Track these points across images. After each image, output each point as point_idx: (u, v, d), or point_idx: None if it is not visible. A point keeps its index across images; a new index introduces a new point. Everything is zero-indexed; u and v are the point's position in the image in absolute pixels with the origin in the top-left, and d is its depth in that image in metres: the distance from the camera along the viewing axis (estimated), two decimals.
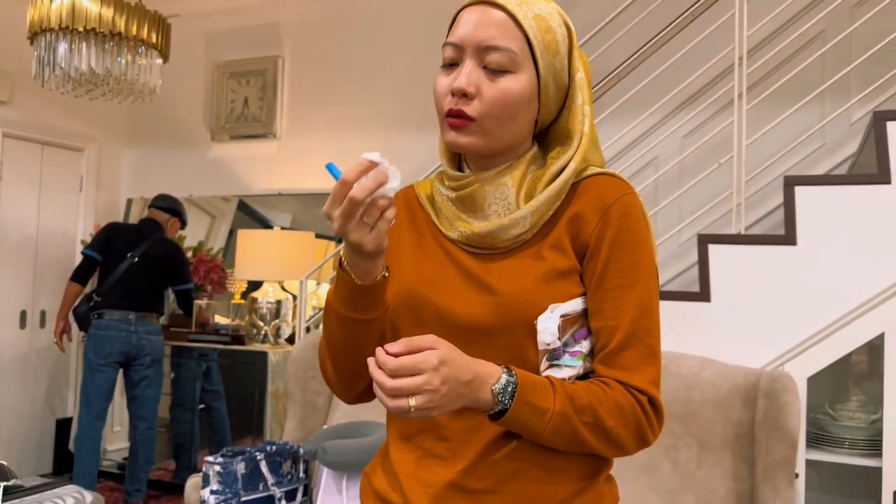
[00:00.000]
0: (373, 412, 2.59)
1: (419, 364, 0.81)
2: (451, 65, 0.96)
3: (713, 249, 2.38)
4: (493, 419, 0.88)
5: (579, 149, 0.97)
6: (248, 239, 3.92)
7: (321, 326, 3.68)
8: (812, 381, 2.31)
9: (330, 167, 0.87)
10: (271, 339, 3.89)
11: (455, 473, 0.93)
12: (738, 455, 2.17)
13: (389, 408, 0.81)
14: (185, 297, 3.87)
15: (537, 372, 0.92)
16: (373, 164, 0.84)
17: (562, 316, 0.92)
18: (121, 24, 3.29)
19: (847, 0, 3.07)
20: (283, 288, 4.03)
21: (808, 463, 2.32)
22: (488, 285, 0.94)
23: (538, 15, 0.94)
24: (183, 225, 4.01)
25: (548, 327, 0.91)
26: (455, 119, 0.93)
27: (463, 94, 0.92)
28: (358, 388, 1.01)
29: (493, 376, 0.86)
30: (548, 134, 1.02)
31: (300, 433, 2.67)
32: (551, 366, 0.93)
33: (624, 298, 0.92)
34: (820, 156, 3.22)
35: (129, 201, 4.99)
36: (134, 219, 4.90)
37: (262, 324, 3.89)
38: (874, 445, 2.26)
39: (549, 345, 0.92)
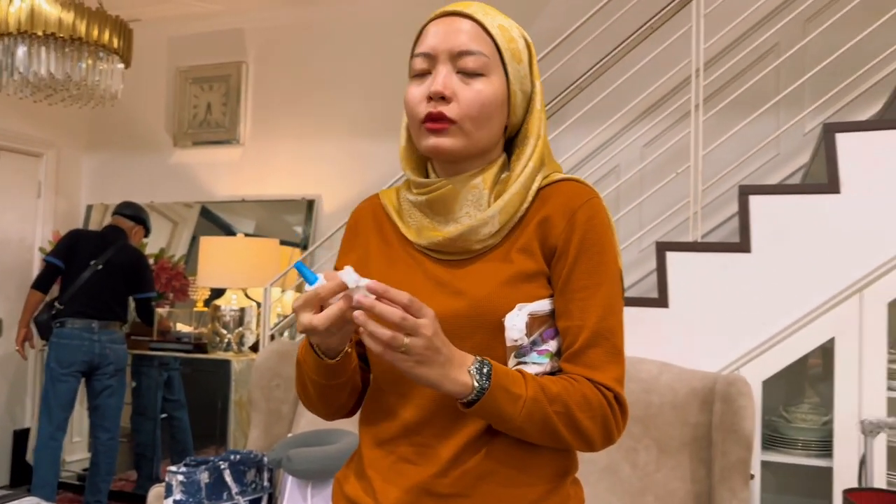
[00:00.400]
0: (338, 421, 2.59)
1: (423, 308, 0.83)
2: (423, 75, 0.98)
3: (671, 257, 2.44)
4: (469, 406, 0.88)
5: (536, 149, 1.01)
6: (211, 246, 3.89)
7: (286, 334, 3.68)
8: (767, 384, 2.38)
9: (299, 267, 0.90)
10: (234, 347, 3.86)
11: (427, 477, 0.95)
12: (696, 457, 2.23)
13: (384, 337, 0.81)
14: (146, 306, 3.82)
15: None
16: (344, 287, 0.86)
17: (529, 314, 0.94)
18: (81, 28, 3.25)
19: (800, 14, 3.17)
20: (246, 295, 4.00)
21: (764, 464, 2.39)
22: (457, 289, 0.97)
23: (501, 25, 0.99)
24: (147, 233, 3.96)
25: (515, 324, 0.94)
26: (435, 123, 0.95)
27: (441, 98, 0.95)
28: (332, 410, 1.06)
29: (468, 359, 0.89)
30: (512, 141, 1.05)
31: (264, 442, 2.66)
32: (519, 363, 0.95)
33: (590, 299, 0.95)
34: (775, 165, 3.31)
35: (89, 207, 4.91)
36: (94, 225, 4.83)
37: (224, 332, 3.86)
38: (826, 446, 2.33)
39: (516, 341, 0.94)
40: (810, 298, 2.31)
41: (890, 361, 2.28)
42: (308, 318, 0.86)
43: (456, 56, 0.96)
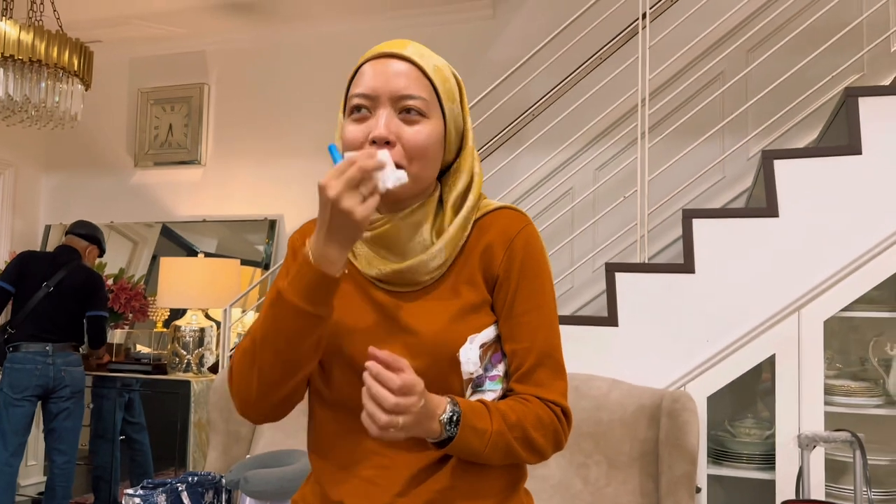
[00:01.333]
0: (296, 441, 2.62)
1: (415, 385, 0.86)
2: (361, 114, 0.99)
3: (620, 277, 2.53)
4: (439, 446, 0.94)
5: (473, 184, 1.04)
6: (171, 266, 3.89)
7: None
8: (712, 399, 2.47)
9: (332, 148, 0.92)
10: (194, 367, 3.85)
11: (391, 497, 0.98)
12: (645, 471, 2.30)
13: (381, 422, 0.84)
14: (97, 324, 3.71)
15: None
16: (379, 162, 0.89)
17: (481, 346, 0.99)
18: (41, 50, 3.26)
19: (743, 44, 3.32)
20: (207, 316, 4.00)
21: (711, 477, 2.48)
22: (408, 327, 1.00)
23: (436, 66, 1.01)
24: (101, 252, 3.87)
25: (469, 358, 0.98)
26: None
27: (385, 142, 0.96)
28: (274, 399, 0.98)
29: (441, 407, 0.92)
30: (445, 174, 1.08)
31: (223, 463, 2.68)
32: (475, 392, 1.00)
33: (533, 322, 1.01)
34: (721, 188, 3.45)
35: (48, 227, 4.87)
36: (52, 245, 4.78)
37: (184, 352, 3.86)
38: (769, 459, 2.43)
39: (472, 374, 0.99)
40: (752, 317, 2.41)
41: (827, 377, 2.39)
42: (353, 202, 0.87)
43: (398, 99, 0.97)
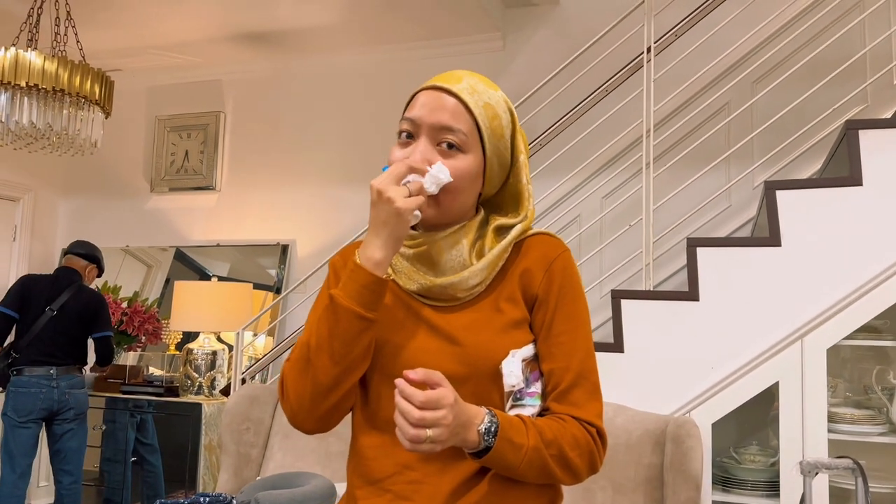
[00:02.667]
0: (306, 463, 2.66)
1: (441, 399, 0.89)
2: (408, 137, 1.06)
3: (625, 304, 2.57)
4: (476, 457, 0.97)
5: (527, 219, 1.10)
6: (185, 290, 3.96)
7: (257, 378, 3.73)
8: (717, 426, 2.50)
9: (386, 169, 1.04)
10: (206, 390, 3.90)
11: None
12: (649, 497, 2.32)
13: (408, 436, 0.88)
14: (105, 345, 3.74)
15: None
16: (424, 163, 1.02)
17: (522, 360, 1.03)
18: (64, 79, 3.35)
19: (749, 75, 3.39)
20: (219, 339, 4.06)
21: None
22: (452, 337, 1.04)
23: (487, 103, 1.06)
24: (100, 272, 3.87)
25: (512, 371, 1.01)
26: None
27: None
28: (327, 404, 1.02)
29: (479, 417, 0.95)
30: (491, 200, 1.14)
31: (233, 485, 2.71)
32: (515, 405, 1.03)
33: (570, 343, 1.05)
34: (727, 217, 3.49)
35: (64, 251, 4.96)
36: None
37: (196, 375, 3.91)
38: (773, 486, 2.45)
39: (513, 387, 1.02)
40: (755, 344, 2.45)
41: (830, 405, 2.41)
42: (396, 192, 0.96)
43: (437, 131, 1.03)
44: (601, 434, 1.04)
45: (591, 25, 3.72)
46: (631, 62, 2.94)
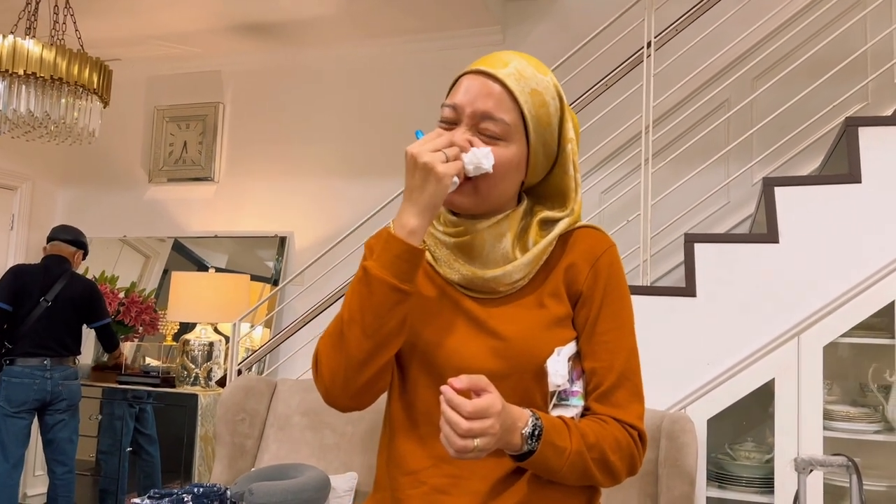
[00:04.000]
0: (300, 455, 2.66)
1: (489, 408, 0.86)
2: (449, 122, 1.01)
3: None
4: (518, 460, 0.94)
5: (572, 213, 1.05)
6: (182, 281, 3.95)
7: (254, 369, 3.73)
8: (712, 422, 2.49)
9: (418, 134, 1.00)
10: (202, 381, 3.90)
11: None
12: (644, 492, 2.32)
13: (456, 446, 0.85)
14: (107, 332, 3.73)
15: (544, 412, 0.99)
16: (466, 142, 0.99)
17: (568, 359, 1.00)
18: (62, 68, 3.34)
19: (749, 72, 3.37)
20: (216, 330, 4.06)
21: (709, 500, 2.49)
22: (495, 331, 1.00)
23: (534, 90, 1.00)
24: (85, 255, 3.81)
25: (557, 370, 0.98)
26: None
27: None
28: (361, 380, 0.98)
29: (522, 420, 0.92)
30: (536, 190, 1.09)
31: (228, 476, 2.71)
32: (558, 405, 1.00)
33: (614, 342, 1.02)
34: (725, 213, 3.49)
35: (49, 237, 4.94)
36: None
37: (192, 366, 3.91)
38: (768, 483, 2.44)
39: (559, 386, 0.99)
40: (752, 341, 2.44)
41: (826, 403, 2.41)
42: (434, 157, 0.93)
43: (479, 118, 0.99)
44: (642, 437, 1.02)
45: (592, 19, 3.70)
46: (631, 57, 2.93)
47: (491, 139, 0.99)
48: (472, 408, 0.85)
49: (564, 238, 1.06)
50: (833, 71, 2.74)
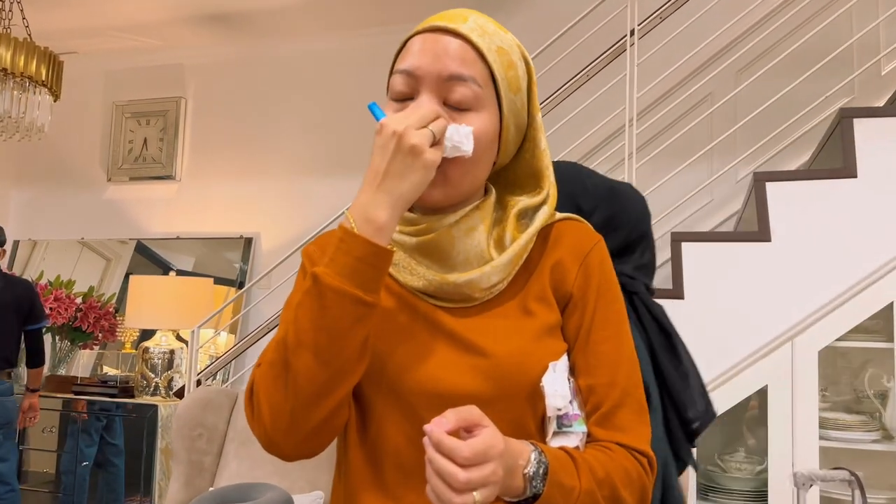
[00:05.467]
0: (263, 472, 2.47)
1: (489, 450, 0.69)
2: (403, 98, 0.83)
3: None
4: None
5: (550, 197, 0.88)
6: (141, 285, 3.74)
7: (219, 376, 3.52)
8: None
9: (373, 106, 0.80)
10: (162, 391, 3.70)
11: None
12: None
13: (453, 503, 0.67)
14: (40, 338, 3.44)
15: (542, 441, 0.83)
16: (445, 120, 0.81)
17: (567, 375, 0.83)
18: (6, 58, 3.13)
19: (732, 65, 3.25)
20: (178, 337, 3.85)
21: None
22: (475, 346, 0.82)
23: (500, 48, 0.84)
24: (4, 251, 3.49)
25: (557, 390, 0.81)
26: None
27: None
28: (312, 421, 0.78)
29: (524, 456, 0.75)
30: (503, 174, 0.93)
31: (185, 495, 2.52)
32: (559, 433, 0.83)
33: (613, 353, 0.85)
34: (709, 211, 3.36)
35: (16, 243, 4.70)
36: (20, 262, 4.61)
37: (152, 375, 3.70)
38: (761, 496, 2.31)
39: (560, 410, 0.82)
40: (743, 345, 2.31)
41: (820, 410, 2.28)
42: (424, 138, 0.75)
43: (444, 83, 0.81)
44: (651, 463, 0.84)
45: (570, 9, 3.55)
46: (614, 45, 2.79)
47: (459, 110, 0.82)
48: (469, 452, 0.67)
49: (544, 232, 0.89)
50: (820, 64, 2.62)
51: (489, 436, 0.69)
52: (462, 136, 0.79)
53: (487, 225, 0.86)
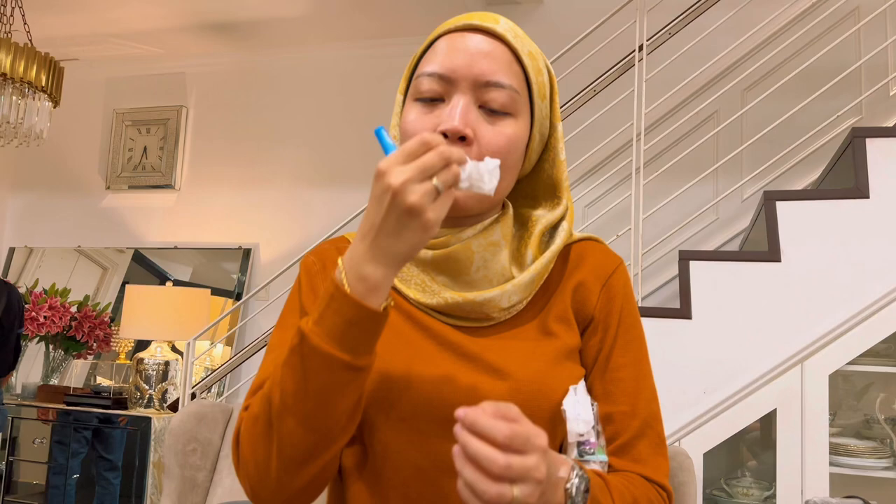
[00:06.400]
0: None
1: (533, 439, 0.60)
2: (431, 99, 0.78)
3: None
4: None
5: (569, 209, 0.85)
6: (137, 295, 3.69)
7: (213, 389, 3.46)
8: (708, 455, 2.30)
9: (380, 132, 0.68)
10: (156, 403, 3.63)
11: None
12: None
13: (487, 496, 0.58)
14: (19, 345, 3.36)
15: None
16: (462, 155, 0.67)
17: (590, 400, 0.79)
18: (6, 63, 3.09)
19: (739, 83, 3.22)
20: (173, 349, 3.79)
21: None
22: (494, 367, 0.77)
23: (531, 53, 0.80)
24: None
25: (580, 414, 0.76)
26: None
27: (460, 138, 0.75)
28: (299, 482, 0.72)
29: (564, 469, 0.68)
30: (520, 185, 0.88)
31: None
32: (581, 461, 0.77)
33: (633, 381, 0.82)
34: (714, 229, 3.32)
35: (12, 250, 4.65)
36: (15, 269, 4.56)
37: (146, 387, 3.63)
38: None
39: (581, 435, 0.77)
40: (752, 368, 2.26)
41: (831, 435, 2.23)
42: (425, 197, 0.62)
43: (482, 86, 0.76)
44: (670, 497, 0.80)
45: (576, 26, 3.53)
46: (622, 60, 2.75)
47: (495, 114, 0.77)
48: (510, 432, 0.58)
49: (564, 251, 0.86)
50: (829, 85, 2.59)
51: (533, 426, 0.61)
52: (484, 173, 0.69)
53: (508, 240, 0.82)
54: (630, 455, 0.79)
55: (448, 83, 0.77)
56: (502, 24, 0.79)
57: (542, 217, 0.85)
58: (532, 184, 0.88)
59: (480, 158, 0.76)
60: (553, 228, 0.85)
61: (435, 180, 0.64)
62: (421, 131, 0.76)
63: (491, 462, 0.58)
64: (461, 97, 0.77)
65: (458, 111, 0.75)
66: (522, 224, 0.86)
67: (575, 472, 0.68)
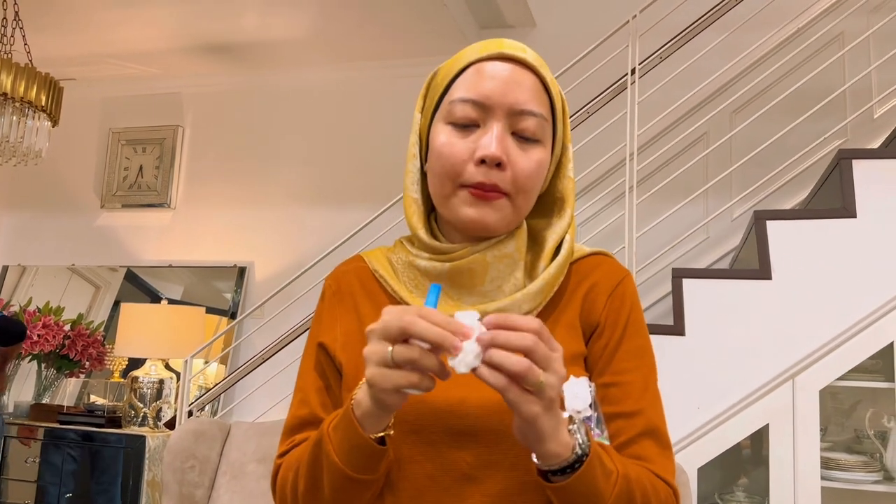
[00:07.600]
0: None
1: (553, 339, 0.66)
2: (466, 125, 0.82)
3: None
4: (562, 476, 0.69)
5: (573, 220, 0.90)
6: (131, 313, 3.70)
7: (207, 409, 3.46)
8: (702, 471, 2.33)
9: (435, 291, 0.70)
10: (150, 421, 3.63)
11: None
12: None
13: (517, 370, 0.61)
14: None
15: None
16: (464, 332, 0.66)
17: (589, 386, 0.78)
18: (7, 83, 3.12)
19: (728, 106, 3.29)
20: (167, 367, 3.79)
21: None
22: None
23: (553, 80, 0.86)
24: None
25: (577, 392, 0.76)
26: (488, 192, 0.81)
27: (497, 164, 0.80)
28: None
29: (565, 421, 0.71)
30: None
31: None
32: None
33: (637, 384, 0.84)
34: (705, 248, 3.38)
35: (5, 268, 4.65)
36: (8, 287, 4.55)
37: (140, 405, 3.63)
38: None
39: (579, 412, 0.76)
40: (744, 384, 2.30)
41: (822, 450, 2.27)
42: (397, 399, 0.67)
43: (516, 115, 0.81)
44: (677, 497, 0.81)
45: (569, 48, 3.61)
46: (615, 83, 2.82)
47: (527, 141, 0.82)
48: (539, 325, 0.63)
49: (576, 266, 0.90)
50: (816, 108, 2.66)
51: (546, 331, 0.65)
52: (471, 354, 0.65)
53: (522, 253, 0.86)
54: (633, 452, 0.80)
55: (483, 110, 0.82)
56: (529, 53, 0.85)
57: (553, 232, 0.89)
58: (542, 199, 0.92)
59: (510, 184, 0.82)
60: (561, 241, 0.89)
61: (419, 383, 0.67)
62: (457, 154, 0.82)
63: (520, 340, 0.63)
64: (496, 124, 0.81)
65: (494, 138, 0.80)
66: (533, 238, 0.91)
67: (577, 424, 0.71)
